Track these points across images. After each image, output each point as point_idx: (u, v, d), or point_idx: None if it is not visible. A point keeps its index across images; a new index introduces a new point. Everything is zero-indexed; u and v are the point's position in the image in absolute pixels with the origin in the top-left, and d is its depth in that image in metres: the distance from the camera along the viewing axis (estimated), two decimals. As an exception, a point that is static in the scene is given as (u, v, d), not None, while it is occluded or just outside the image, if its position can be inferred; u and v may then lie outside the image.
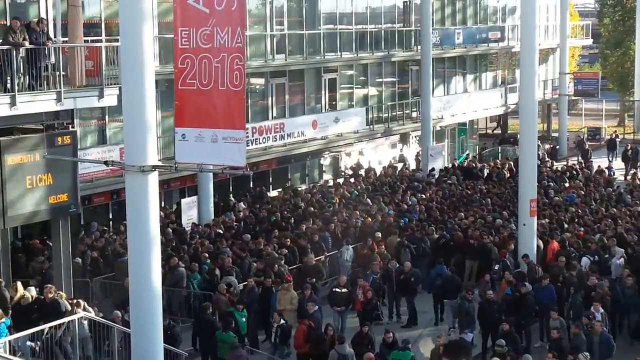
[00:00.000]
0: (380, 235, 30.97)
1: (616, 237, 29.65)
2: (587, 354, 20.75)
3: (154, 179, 17.00)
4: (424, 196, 38.17)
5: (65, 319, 20.87)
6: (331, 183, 42.77)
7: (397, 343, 21.83)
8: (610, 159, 51.65)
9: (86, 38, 27.17)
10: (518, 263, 28.16)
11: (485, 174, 45.05)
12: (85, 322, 21.36)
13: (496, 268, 28.06)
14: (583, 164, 48.00)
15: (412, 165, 48.12)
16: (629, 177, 45.83)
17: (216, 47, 16.48)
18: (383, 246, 29.82)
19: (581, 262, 27.88)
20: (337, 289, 25.32)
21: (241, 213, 35.12)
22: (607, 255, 27.98)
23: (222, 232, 32.00)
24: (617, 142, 53.86)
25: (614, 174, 44.81)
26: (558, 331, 22.30)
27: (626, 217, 33.18)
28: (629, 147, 49.64)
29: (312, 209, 35.88)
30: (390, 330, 22.69)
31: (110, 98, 23.75)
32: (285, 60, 41.83)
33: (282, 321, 23.12)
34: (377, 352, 21.66)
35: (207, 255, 28.36)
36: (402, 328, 26.86)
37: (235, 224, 33.44)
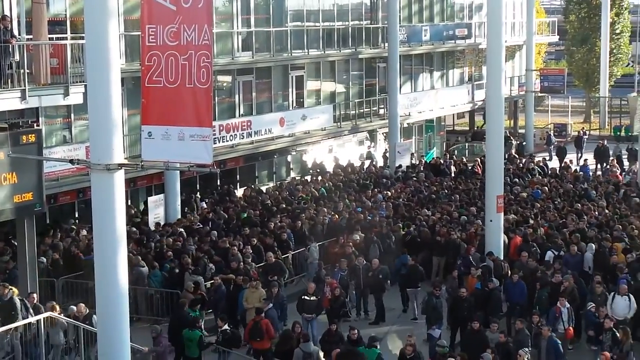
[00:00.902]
0: (361, 236, 31.03)
1: (579, 232, 29.85)
2: (527, 349, 20.77)
3: (120, 177, 16.88)
4: (389, 193, 38.18)
5: (32, 319, 20.75)
6: (298, 180, 42.72)
7: (362, 340, 21.84)
8: (579, 155, 51.84)
9: (51, 35, 26.91)
10: (484, 258, 28.23)
11: (453, 171, 45.21)
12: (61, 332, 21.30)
13: (458, 263, 28.23)
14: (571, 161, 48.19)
15: (380, 162, 48.19)
16: (598, 173, 46.00)
17: (183, 44, 16.39)
18: (351, 243, 29.81)
19: (546, 257, 28.10)
20: (305, 297, 24.86)
21: (207, 212, 34.92)
22: (577, 251, 28.02)
23: (184, 230, 31.79)
24: (585, 139, 54.12)
25: (588, 171, 44.87)
26: (505, 335, 22.11)
27: (591, 213, 33.37)
28: (601, 144, 49.87)
29: (283, 205, 35.89)
30: (355, 327, 22.67)
31: (75, 96, 23.61)
32: (252, 57, 41.74)
33: (226, 326, 22.92)
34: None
35: (171, 254, 28.24)
36: (370, 325, 26.91)
37: (198, 224, 33.19)
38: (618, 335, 21.74)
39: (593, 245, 28.61)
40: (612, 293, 24.23)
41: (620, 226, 30.85)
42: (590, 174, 44.31)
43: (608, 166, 46.57)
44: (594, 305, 23.31)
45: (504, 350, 21.17)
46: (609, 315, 23.26)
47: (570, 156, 50.59)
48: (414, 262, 28.37)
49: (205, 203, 36.69)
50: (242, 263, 27.40)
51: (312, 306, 24.53)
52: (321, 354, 21.46)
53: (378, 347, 21.35)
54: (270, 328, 22.79)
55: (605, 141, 51.70)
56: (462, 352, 21.68)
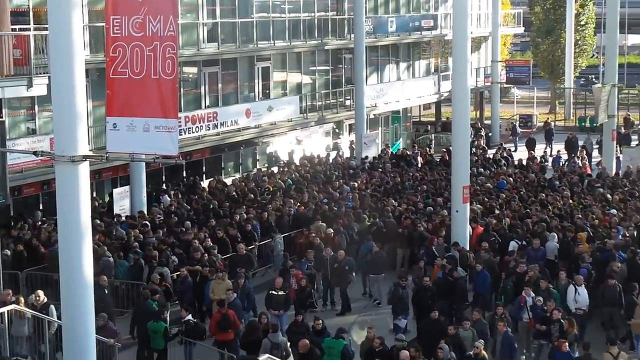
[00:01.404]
0: (325, 225, 31.06)
1: (543, 222, 30.06)
2: (482, 341, 20.80)
3: (84, 169, 16.80)
4: (355, 184, 38.23)
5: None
6: (265, 172, 42.66)
7: (327, 330, 21.88)
8: (549, 147, 51.98)
9: (14, 26, 26.69)
10: (450, 248, 28.35)
11: (419, 162, 45.36)
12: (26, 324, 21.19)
13: (421, 253, 28.36)
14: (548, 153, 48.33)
15: (346, 153, 48.26)
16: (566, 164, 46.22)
17: (148, 35, 16.33)
18: (314, 234, 29.82)
19: (509, 247, 28.31)
20: (273, 292, 24.68)
21: (172, 205, 34.76)
22: (539, 245, 28.15)
23: (148, 223, 31.64)
24: (553, 131, 54.45)
25: (560, 162, 45.05)
26: (454, 327, 21.96)
27: (555, 203, 33.58)
28: (571, 136, 50.10)
29: (252, 195, 35.84)
30: (320, 317, 22.69)
31: (39, 87, 23.48)
32: (218, 48, 41.61)
33: (189, 317, 22.87)
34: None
35: (136, 245, 28.15)
36: (337, 316, 26.98)
37: (159, 216, 33.01)
38: (565, 325, 21.85)
39: (555, 234, 28.81)
40: (571, 285, 24.30)
41: (580, 216, 31.05)
42: (563, 165, 44.47)
43: (576, 157, 46.74)
44: (540, 299, 23.24)
45: (454, 342, 21.18)
46: (573, 307, 23.73)
47: (541, 147, 50.68)
48: (378, 249, 28.59)
49: (169, 196, 36.42)
50: (206, 255, 27.30)
51: (280, 301, 24.35)
52: (288, 345, 21.47)
53: (345, 338, 21.37)
54: (236, 319, 22.78)
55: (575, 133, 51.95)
56: (419, 340, 21.81)
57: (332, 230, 30.03)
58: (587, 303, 24.08)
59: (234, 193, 36.61)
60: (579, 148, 48.12)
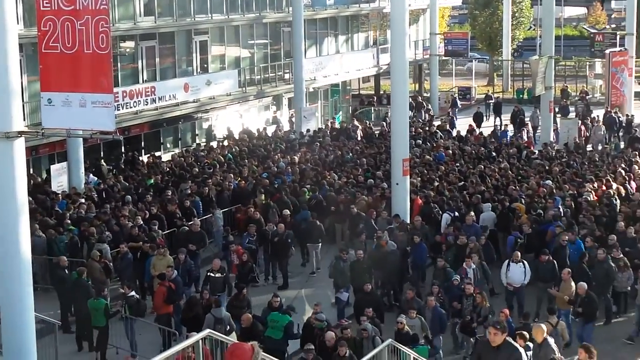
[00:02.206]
0: (262, 198, 31.02)
1: (480, 193, 30.32)
2: (404, 316, 20.63)
3: (20, 145, 16.55)
4: (296, 158, 38.16)
5: None
6: (204, 146, 42.43)
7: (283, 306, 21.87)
8: (497, 121, 52.08)
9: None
10: (391, 220, 28.46)
11: (359, 135, 45.43)
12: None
13: (360, 227, 28.46)
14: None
15: (286, 127, 48.16)
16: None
17: (79, 9, 16.10)
18: (252, 209, 29.75)
19: (442, 219, 28.59)
20: (211, 274, 24.22)
21: (106, 182, 34.36)
22: (471, 217, 28.33)
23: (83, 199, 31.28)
24: (491, 103, 54.74)
25: (507, 136, 45.19)
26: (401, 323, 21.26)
27: (494, 175, 33.84)
28: (517, 109, 50.32)
29: (196, 169, 35.75)
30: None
31: (-29, 63, 22.97)
32: (155, 22, 41.21)
33: (132, 293, 22.71)
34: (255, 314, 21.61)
35: (69, 222, 27.82)
36: (279, 289, 26.98)
37: (94, 193, 32.64)
38: (477, 300, 22.02)
39: (490, 205, 29.12)
40: (507, 260, 24.34)
41: (515, 187, 31.35)
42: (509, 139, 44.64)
43: (523, 130, 47.00)
44: (457, 278, 23.33)
45: (405, 338, 21.18)
46: (507, 283, 23.97)
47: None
48: (313, 219, 28.78)
49: (101, 173, 35.90)
50: (138, 230, 27.10)
51: (218, 283, 23.93)
52: (232, 319, 21.38)
53: (292, 315, 21.32)
54: (172, 294, 22.73)
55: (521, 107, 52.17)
56: (356, 314, 21.83)
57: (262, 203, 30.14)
58: (520, 280, 23.89)
59: (170, 169, 36.33)
60: (525, 121, 48.46)
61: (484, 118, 52.14)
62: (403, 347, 18.17)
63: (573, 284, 22.49)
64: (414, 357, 18.03)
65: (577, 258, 24.47)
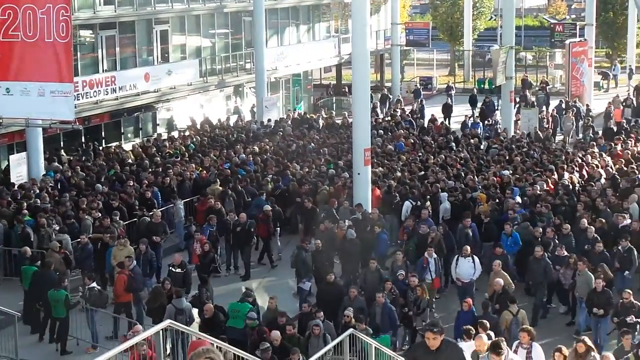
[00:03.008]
0: (220, 188, 30.95)
1: (439, 183, 30.49)
2: (351, 309, 20.47)
3: (-23, 135, 16.39)
4: (257, 148, 38.05)
5: None
6: (165, 136, 42.20)
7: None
8: (473, 112, 51.99)
9: None
10: (354, 210, 28.50)
11: (322, 125, 45.43)
12: None
13: (322, 216, 28.51)
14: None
15: (247, 117, 48.06)
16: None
17: (40, -3, 15.96)
18: (212, 199, 29.70)
19: (403, 208, 28.69)
20: (172, 268, 23.97)
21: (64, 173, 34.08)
22: (427, 212, 28.37)
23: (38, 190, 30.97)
24: (452, 94, 54.85)
25: (478, 127, 45.14)
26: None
27: (455, 164, 33.98)
28: (488, 99, 50.37)
29: (158, 159, 35.59)
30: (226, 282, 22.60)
31: None
32: (115, 11, 40.90)
33: (94, 284, 22.57)
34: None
35: (26, 212, 27.59)
36: (241, 280, 26.96)
37: (51, 184, 32.35)
38: (418, 292, 21.99)
39: (446, 194, 29.30)
40: (456, 256, 24.12)
41: (472, 177, 31.54)
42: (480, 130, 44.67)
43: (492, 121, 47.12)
44: (402, 272, 23.11)
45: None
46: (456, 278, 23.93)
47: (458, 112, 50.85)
48: (273, 204, 29.09)
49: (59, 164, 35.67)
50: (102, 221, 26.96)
51: (178, 278, 23.58)
52: (194, 310, 21.33)
53: (250, 302, 21.32)
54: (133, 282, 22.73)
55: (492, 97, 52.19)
56: (318, 304, 21.86)
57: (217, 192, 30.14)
58: (469, 275, 23.56)
59: (129, 160, 36.13)
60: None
61: (452, 109, 52.01)
62: (365, 336, 18.17)
63: (500, 279, 22.13)
64: (375, 347, 18.03)
65: (513, 250, 24.77)
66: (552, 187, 30.49)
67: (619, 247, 24.20)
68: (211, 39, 48.69)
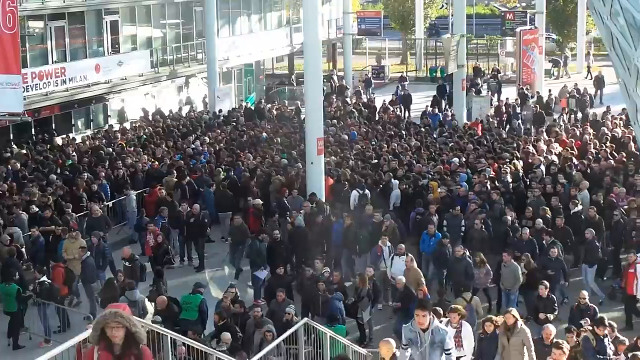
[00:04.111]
0: (174, 180, 30.83)
1: (392, 171, 30.55)
2: (293, 305, 20.39)
3: None
4: (207, 139, 37.87)
5: None
6: (117, 128, 41.88)
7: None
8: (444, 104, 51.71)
9: None
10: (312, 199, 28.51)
11: (274, 114, 45.34)
12: None
13: (273, 205, 28.59)
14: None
15: (200, 107, 47.85)
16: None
17: (-15, -13, 15.73)
18: (164, 191, 29.54)
19: (351, 197, 28.81)
20: (122, 261, 24.09)
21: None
22: (379, 189, 28.92)
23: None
24: (405, 85, 54.86)
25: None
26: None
27: (408, 153, 34.09)
28: (439, 84, 50.22)
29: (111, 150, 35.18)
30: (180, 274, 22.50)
31: None
32: (64, 2, 40.46)
33: (44, 278, 22.38)
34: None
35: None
36: (195, 270, 26.87)
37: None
38: (358, 282, 21.96)
39: (397, 182, 29.39)
40: (392, 254, 23.65)
41: (422, 165, 31.74)
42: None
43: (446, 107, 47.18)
44: (328, 269, 22.85)
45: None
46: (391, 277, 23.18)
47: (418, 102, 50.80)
48: (223, 189, 29.42)
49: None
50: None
51: (127, 272, 23.47)
52: (147, 302, 21.18)
53: (202, 293, 21.27)
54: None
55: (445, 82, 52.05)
56: (266, 294, 21.87)
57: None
58: (400, 273, 22.55)
59: (73, 154, 35.81)
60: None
61: (411, 99, 51.79)
62: (320, 325, 18.18)
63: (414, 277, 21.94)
64: (330, 336, 18.05)
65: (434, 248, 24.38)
66: (495, 174, 30.72)
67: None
68: (162, 29, 48.36)
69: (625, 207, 26.43)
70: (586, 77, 60.57)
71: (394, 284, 22.13)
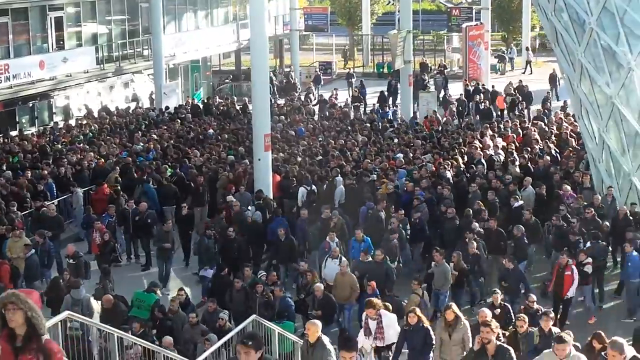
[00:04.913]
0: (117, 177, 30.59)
1: (339, 167, 30.67)
2: (227, 312, 20.15)
3: None
4: (155, 136, 37.62)
5: None
6: (62, 125, 41.46)
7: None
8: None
9: None
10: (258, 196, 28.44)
11: (221, 111, 45.19)
12: None
13: (220, 201, 28.53)
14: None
15: (146, 104, 47.55)
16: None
17: None
18: (109, 189, 29.33)
19: (299, 193, 28.87)
20: (66, 259, 23.94)
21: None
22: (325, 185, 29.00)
23: None
24: (352, 81, 54.79)
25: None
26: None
27: (354, 149, 34.14)
28: (393, 82, 50.25)
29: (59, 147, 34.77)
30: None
31: None
32: (7, -2, 40.05)
33: None
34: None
35: None
36: (141, 268, 26.69)
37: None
38: (307, 278, 21.94)
39: (342, 179, 29.39)
40: (326, 257, 23.24)
41: (369, 161, 31.87)
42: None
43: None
44: (304, 264, 22.94)
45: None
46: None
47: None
48: (167, 182, 29.48)
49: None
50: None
51: (71, 270, 23.15)
52: (92, 300, 21.00)
53: (157, 293, 21.11)
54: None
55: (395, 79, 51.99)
56: (211, 294, 21.77)
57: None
58: (332, 276, 22.30)
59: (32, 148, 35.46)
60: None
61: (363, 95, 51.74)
62: (267, 322, 18.15)
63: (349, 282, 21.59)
64: (279, 333, 18.02)
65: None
66: (436, 169, 30.92)
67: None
68: (108, 25, 47.98)
69: (573, 204, 26.54)
70: (524, 72, 61.24)
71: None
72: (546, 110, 42.21)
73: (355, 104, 48.03)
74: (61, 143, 36.40)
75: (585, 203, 26.41)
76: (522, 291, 21.73)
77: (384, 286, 21.41)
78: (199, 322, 19.37)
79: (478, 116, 43.98)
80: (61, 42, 44.42)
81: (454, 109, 45.06)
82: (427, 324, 16.91)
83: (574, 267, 21.57)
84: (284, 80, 56.19)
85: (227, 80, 59.41)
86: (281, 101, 49.33)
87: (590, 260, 22.26)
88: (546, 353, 13.59)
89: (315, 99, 50.20)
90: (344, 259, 22.62)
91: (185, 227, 27.35)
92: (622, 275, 23.57)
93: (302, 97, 49.69)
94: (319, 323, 14.41)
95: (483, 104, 44.67)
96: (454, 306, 17.06)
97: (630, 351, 12.33)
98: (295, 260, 24.35)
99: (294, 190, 29.23)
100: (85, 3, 45.79)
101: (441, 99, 47.84)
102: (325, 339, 14.69)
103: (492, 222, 24.67)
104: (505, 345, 14.45)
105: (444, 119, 42.08)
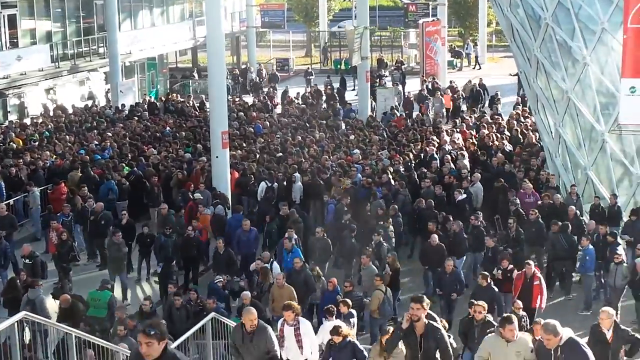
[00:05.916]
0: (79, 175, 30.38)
1: (297, 164, 30.71)
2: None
3: None
4: (110, 134, 37.32)
5: None
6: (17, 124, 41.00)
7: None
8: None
9: None
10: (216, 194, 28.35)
11: (178, 108, 44.99)
12: None
13: (179, 198, 28.50)
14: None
15: (102, 102, 47.22)
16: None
17: None
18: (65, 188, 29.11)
19: (259, 189, 28.94)
20: (22, 259, 23.62)
21: None
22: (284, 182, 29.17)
23: None
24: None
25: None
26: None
27: (312, 145, 34.14)
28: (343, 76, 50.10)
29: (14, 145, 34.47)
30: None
31: None
32: (-42, -5, 39.59)
33: None
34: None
35: None
36: (98, 268, 26.48)
37: None
38: (260, 276, 21.84)
39: (299, 175, 29.49)
40: (273, 260, 23.17)
41: (327, 157, 31.96)
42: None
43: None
44: (221, 279, 22.12)
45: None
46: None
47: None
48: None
49: None
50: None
51: (28, 270, 22.85)
52: (45, 301, 20.77)
53: (110, 289, 20.99)
54: None
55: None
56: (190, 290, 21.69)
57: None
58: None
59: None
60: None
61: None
62: (226, 319, 18.09)
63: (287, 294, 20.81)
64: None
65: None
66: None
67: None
68: (62, 22, 47.53)
69: (539, 202, 26.29)
70: (474, 68, 61.67)
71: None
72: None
73: (331, 102, 47.41)
74: (9, 142, 35.76)
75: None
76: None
77: (304, 294, 20.88)
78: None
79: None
80: (15, 40, 43.95)
81: (430, 104, 44.86)
82: (353, 339, 15.32)
83: (541, 276, 20.86)
84: (256, 78, 55.96)
85: (185, 77, 59.17)
86: (249, 99, 49.21)
87: (512, 266, 21.30)
88: (490, 337, 13.17)
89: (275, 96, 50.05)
90: (279, 270, 22.06)
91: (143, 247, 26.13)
92: (580, 269, 23.68)
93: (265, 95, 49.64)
94: (254, 310, 14.15)
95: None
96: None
97: (566, 332, 12.01)
98: (235, 273, 23.68)
99: (252, 187, 29.16)
100: (39, 0, 45.34)
101: (399, 95, 47.87)
102: (263, 323, 14.32)
103: (430, 226, 24.29)
104: (436, 324, 13.53)
105: (424, 115, 41.93)
